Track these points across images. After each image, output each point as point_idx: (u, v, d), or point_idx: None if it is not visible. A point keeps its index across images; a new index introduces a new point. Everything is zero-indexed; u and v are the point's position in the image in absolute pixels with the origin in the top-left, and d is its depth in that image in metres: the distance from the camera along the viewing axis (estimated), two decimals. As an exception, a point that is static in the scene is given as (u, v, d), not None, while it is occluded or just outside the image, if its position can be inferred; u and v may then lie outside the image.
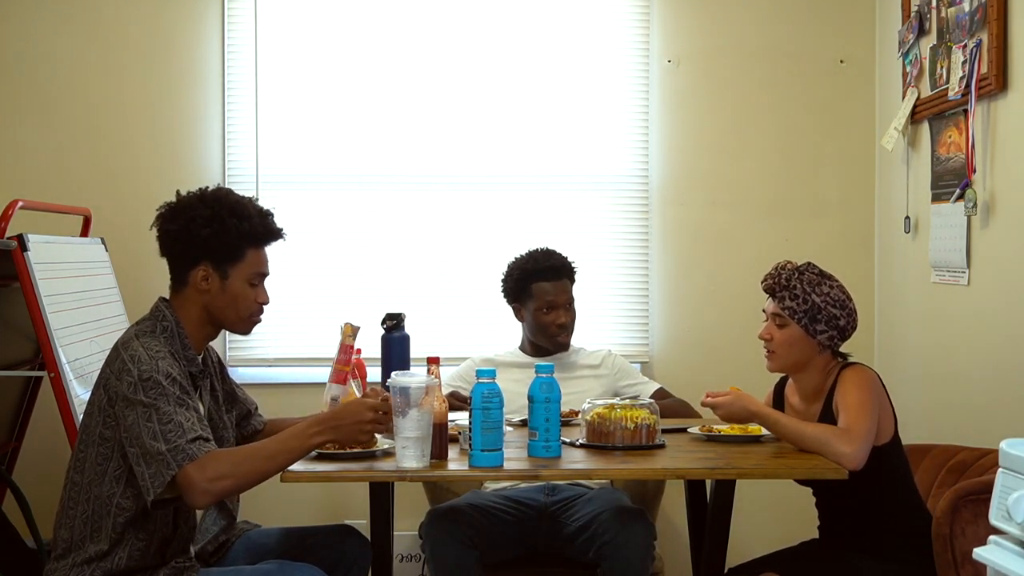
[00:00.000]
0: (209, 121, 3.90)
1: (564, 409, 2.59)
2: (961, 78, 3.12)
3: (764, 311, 2.69)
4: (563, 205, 3.98)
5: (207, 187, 2.42)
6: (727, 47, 3.97)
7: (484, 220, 3.96)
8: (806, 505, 2.79)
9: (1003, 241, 3.00)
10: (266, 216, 2.42)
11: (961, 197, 3.17)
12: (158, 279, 2.45)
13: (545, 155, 3.96)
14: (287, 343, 3.92)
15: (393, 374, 2.32)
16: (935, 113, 3.37)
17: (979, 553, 1.76)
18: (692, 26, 3.97)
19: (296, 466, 2.29)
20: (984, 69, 3.01)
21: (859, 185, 3.99)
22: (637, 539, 2.74)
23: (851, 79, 3.98)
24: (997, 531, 1.76)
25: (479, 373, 2.39)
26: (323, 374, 2.68)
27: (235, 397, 2.62)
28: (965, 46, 3.11)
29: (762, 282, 2.69)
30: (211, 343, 2.47)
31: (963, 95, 3.12)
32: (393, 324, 2.99)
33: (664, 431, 2.68)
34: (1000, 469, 1.77)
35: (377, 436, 2.45)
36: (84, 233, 3.57)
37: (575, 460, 2.47)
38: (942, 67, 3.29)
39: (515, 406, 2.84)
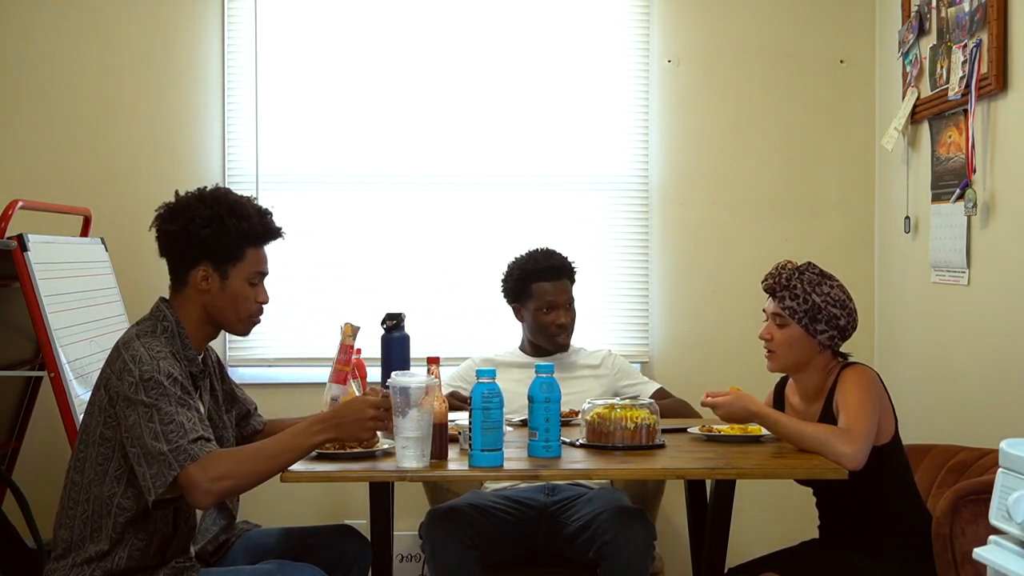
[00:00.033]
0: (209, 121, 3.90)
1: (564, 409, 2.59)
2: (961, 78, 3.12)
3: (764, 311, 2.69)
4: (563, 205, 3.98)
5: (205, 187, 2.42)
6: (727, 47, 3.97)
7: (484, 220, 3.96)
8: (806, 505, 2.79)
9: (1003, 241, 3.00)
10: (265, 215, 2.42)
11: (961, 197, 3.17)
12: (158, 279, 2.45)
13: (545, 155, 3.96)
14: (287, 343, 3.92)
15: (393, 374, 2.32)
16: (935, 113, 3.37)
17: (979, 553, 1.76)
18: (692, 26, 3.97)
19: (296, 466, 2.29)
20: (984, 69, 3.01)
21: (859, 185, 3.99)
22: (637, 539, 2.74)
23: (851, 79, 3.98)
24: (997, 531, 1.76)
25: (479, 373, 2.39)
26: (323, 374, 2.68)
27: (235, 397, 2.62)
28: (965, 46, 3.11)
29: (762, 282, 2.69)
30: (211, 343, 2.47)
31: (963, 95, 3.12)
32: (393, 324, 2.99)
33: (664, 431, 2.68)
34: (1000, 469, 1.77)
35: (378, 435, 2.45)
36: (84, 233, 3.57)
37: (575, 460, 2.47)
38: (942, 67, 3.29)
39: (515, 406, 2.84)
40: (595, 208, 3.99)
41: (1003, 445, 1.78)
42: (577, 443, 2.59)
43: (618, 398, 2.88)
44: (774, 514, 3.74)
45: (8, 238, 2.85)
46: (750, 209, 3.98)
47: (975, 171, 3.10)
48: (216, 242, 2.34)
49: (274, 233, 2.44)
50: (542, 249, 3.39)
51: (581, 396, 2.95)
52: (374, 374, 2.94)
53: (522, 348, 3.42)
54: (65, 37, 3.84)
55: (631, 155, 3.98)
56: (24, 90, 3.84)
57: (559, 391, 2.44)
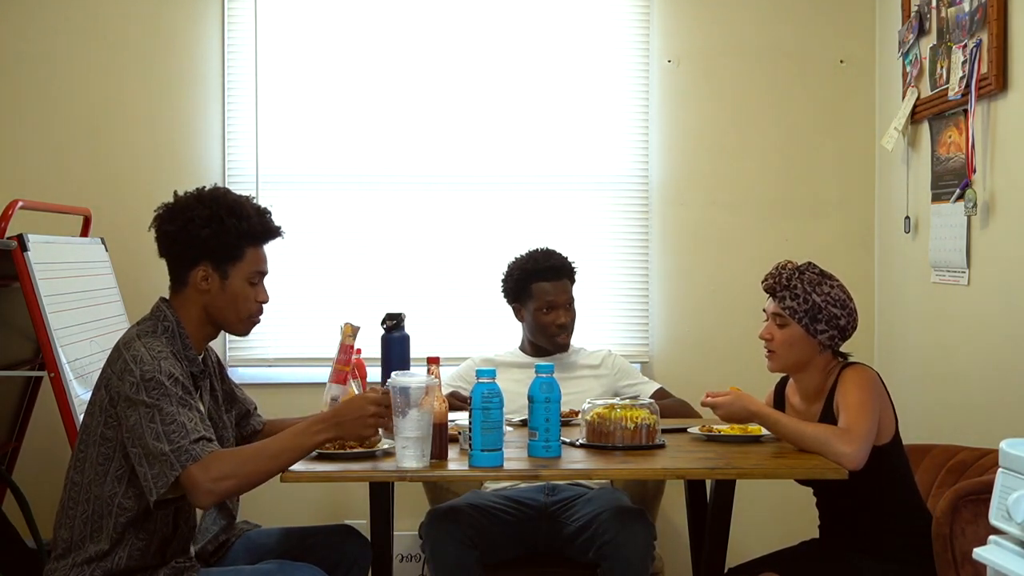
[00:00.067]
0: (209, 121, 3.90)
1: (564, 409, 2.59)
2: (961, 78, 3.12)
3: (764, 311, 2.69)
4: (563, 205, 3.97)
5: (204, 187, 2.42)
6: (727, 47, 3.97)
7: (484, 220, 3.96)
8: (806, 505, 2.79)
9: (1003, 241, 3.00)
10: (264, 215, 2.42)
11: (961, 197, 3.17)
12: (158, 279, 2.45)
13: (545, 155, 3.96)
14: (287, 343, 3.92)
15: (393, 374, 2.32)
16: (935, 113, 3.37)
17: (979, 553, 1.76)
18: (692, 26, 3.97)
19: (296, 466, 2.29)
20: (984, 69, 3.01)
21: (859, 185, 3.99)
22: (637, 539, 2.74)
23: (851, 79, 3.98)
24: (997, 531, 1.76)
25: (479, 373, 2.39)
26: (323, 374, 2.68)
27: (234, 397, 2.62)
28: (965, 46, 3.11)
29: (763, 282, 2.69)
30: (211, 343, 2.47)
31: (963, 95, 3.12)
32: (393, 324, 2.99)
33: (664, 431, 2.67)
34: (1000, 469, 1.77)
35: (380, 433, 2.45)
36: (84, 233, 3.57)
37: (575, 460, 2.47)
38: (942, 67, 3.29)
39: (515, 406, 2.84)
40: (595, 208, 3.99)
41: (1003, 445, 1.78)
42: (577, 443, 2.59)
43: (618, 398, 2.88)
44: (774, 514, 3.74)
45: (8, 238, 2.86)
46: (750, 209, 3.98)
47: (975, 171, 3.10)
48: (216, 242, 2.34)
49: (273, 232, 2.44)
50: (542, 249, 3.39)
51: (581, 396, 2.95)
52: (374, 374, 2.94)
53: (522, 348, 3.42)
54: (65, 37, 3.84)
55: (631, 155, 3.98)
56: (24, 90, 3.84)
57: (559, 391, 2.44)
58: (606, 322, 3.97)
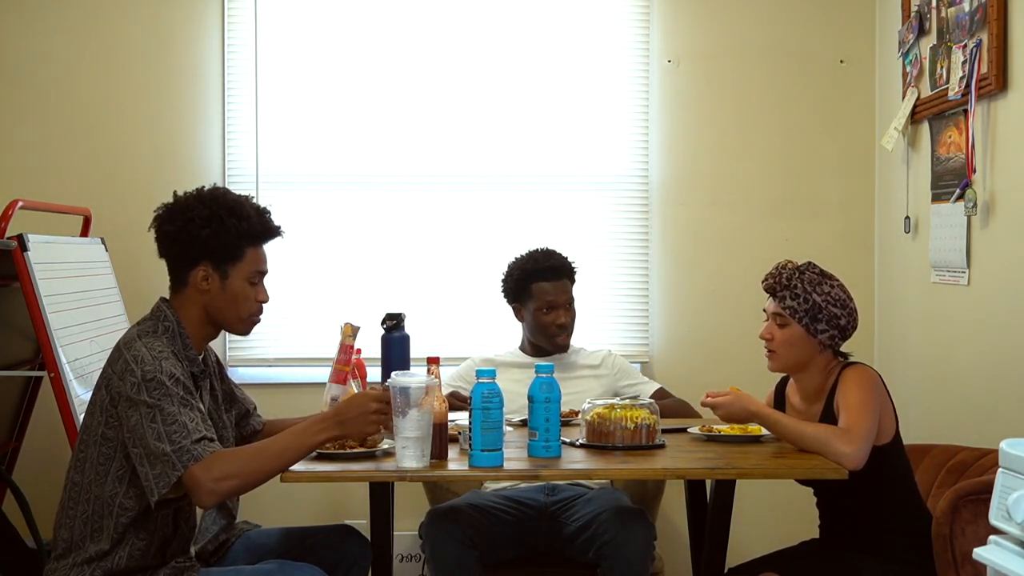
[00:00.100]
0: (209, 121, 3.90)
1: (564, 409, 2.59)
2: (961, 78, 3.12)
3: (765, 311, 2.69)
4: (563, 205, 3.97)
5: (203, 187, 2.42)
6: (727, 47, 3.97)
7: (484, 220, 3.96)
8: (806, 505, 2.79)
9: (1003, 241, 3.00)
10: (264, 214, 2.42)
11: (961, 197, 3.17)
12: (158, 279, 2.45)
13: (545, 155, 3.96)
14: (287, 343, 3.92)
15: (393, 374, 2.32)
16: (935, 113, 3.37)
17: (979, 553, 1.76)
18: (692, 26, 3.97)
19: (296, 466, 2.29)
20: (984, 69, 3.01)
21: (859, 185, 3.99)
22: (637, 539, 2.74)
23: (851, 79, 3.98)
24: (997, 531, 1.76)
25: (479, 373, 2.39)
26: (323, 374, 2.68)
27: (234, 397, 2.62)
28: (965, 46, 3.11)
29: (763, 282, 2.69)
30: (211, 343, 2.47)
31: (963, 95, 3.12)
32: (393, 324, 2.99)
33: (664, 431, 2.67)
34: (1000, 469, 1.77)
35: (381, 431, 2.45)
36: (84, 233, 3.57)
37: (575, 460, 2.47)
38: (942, 67, 3.29)
39: (515, 406, 2.84)
40: (595, 208, 3.99)
41: (1003, 445, 1.78)
42: (577, 443, 2.59)
43: (618, 398, 2.88)
44: (774, 514, 3.74)
45: (8, 238, 2.86)
46: (750, 209, 3.98)
47: (975, 171, 3.10)
48: (216, 242, 2.34)
49: (273, 232, 2.44)
50: (542, 249, 3.39)
51: (581, 396, 2.95)
52: (374, 374, 2.94)
53: (522, 348, 3.42)
54: (65, 37, 3.84)
55: (631, 155, 3.98)
56: (24, 90, 3.84)
57: (559, 391, 2.44)
58: (606, 322, 3.97)
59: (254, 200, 2.44)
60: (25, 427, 3.50)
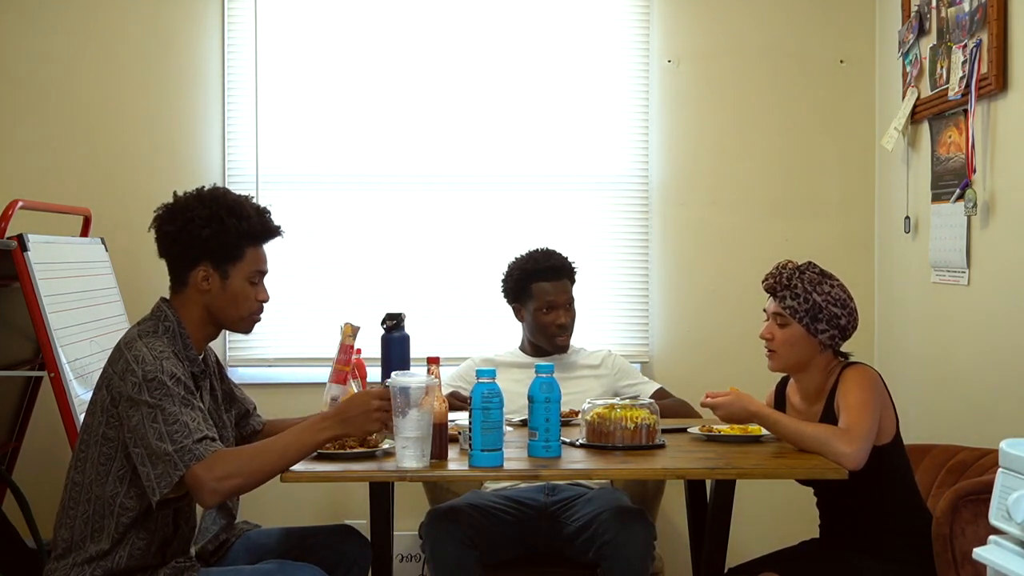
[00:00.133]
0: (209, 121, 3.90)
1: (564, 409, 2.59)
2: (961, 78, 3.12)
3: (765, 311, 2.69)
4: (563, 205, 3.97)
5: (203, 187, 2.42)
6: (727, 47, 3.97)
7: (484, 220, 3.96)
8: (806, 505, 2.79)
9: (1003, 241, 3.00)
10: (264, 214, 2.42)
11: (961, 197, 3.17)
12: (158, 279, 2.45)
13: (545, 155, 3.96)
14: (287, 343, 3.92)
15: (393, 374, 2.32)
16: (935, 113, 3.37)
17: (979, 553, 1.76)
18: (692, 26, 3.97)
19: (296, 466, 2.29)
20: (984, 69, 3.01)
21: (859, 185, 3.99)
22: (637, 539, 2.74)
23: (851, 79, 3.98)
24: (997, 531, 1.76)
25: (479, 373, 2.39)
26: (323, 374, 2.68)
27: (233, 397, 2.62)
28: (965, 46, 3.11)
29: (763, 281, 2.69)
30: (211, 343, 2.47)
31: (963, 95, 3.12)
32: (393, 324, 2.99)
33: (664, 431, 2.68)
34: (1000, 469, 1.77)
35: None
36: (84, 233, 3.57)
37: (575, 460, 2.47)
38: (942, 67, 3.29)
39: (515, 406, 2.84)
40: (595, 208, 3.99)
41: (1003, 445, 1.78)
42: (577, 443, 2.59)
43: (618, 398, 2.88)
44: (774, 514, 3.74)
45: (8, 238, 2.86)
46: (750, 209, 3.98)
47: (975, 171, 3.10)
48: (216, 242, 2.34)
49: (273, 232, 2.44)
50: (542, 249, 3.39)
51: (581, 396, 2.95)
52: (374, 374, 2.94)
53: (522, 348, 3.42)
54: (65, 37, 3.84)
55: (631, 155, 3.98)
56: (24, 90, 3.84)
57: (559, 391, 2.44)
58: (606, 322, 3.97)
59: (254, 200, 2.45)
60: (25, 427, 3.50)
